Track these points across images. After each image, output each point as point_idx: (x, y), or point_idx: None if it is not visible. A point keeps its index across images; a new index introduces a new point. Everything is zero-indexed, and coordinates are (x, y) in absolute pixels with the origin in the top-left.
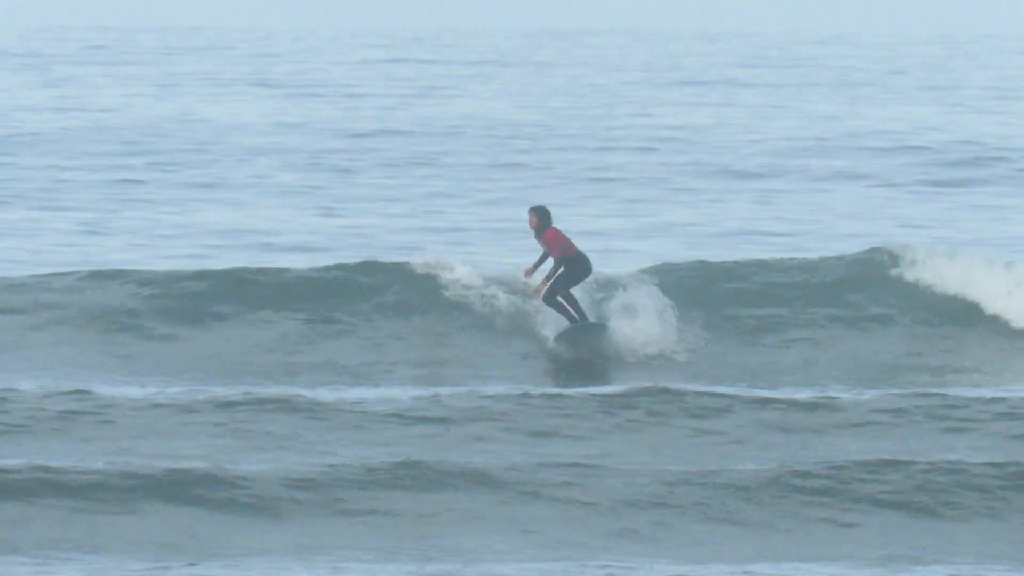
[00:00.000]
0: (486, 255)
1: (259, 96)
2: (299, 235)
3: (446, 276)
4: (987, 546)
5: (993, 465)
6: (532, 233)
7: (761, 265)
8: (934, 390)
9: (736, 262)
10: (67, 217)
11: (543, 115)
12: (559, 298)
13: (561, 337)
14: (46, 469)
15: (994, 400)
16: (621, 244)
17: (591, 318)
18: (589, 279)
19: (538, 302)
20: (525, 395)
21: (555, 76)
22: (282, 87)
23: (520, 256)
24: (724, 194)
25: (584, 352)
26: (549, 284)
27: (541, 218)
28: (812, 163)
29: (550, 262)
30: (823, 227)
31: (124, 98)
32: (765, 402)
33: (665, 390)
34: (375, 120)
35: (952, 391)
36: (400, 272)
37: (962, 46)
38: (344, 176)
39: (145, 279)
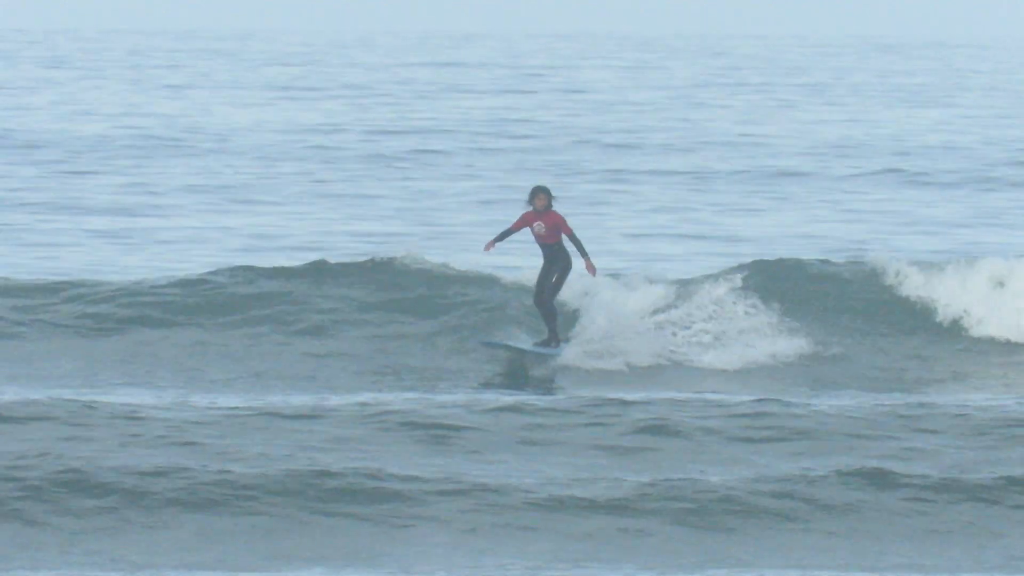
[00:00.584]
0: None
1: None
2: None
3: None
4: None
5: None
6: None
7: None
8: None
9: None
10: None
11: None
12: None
13: (502, 345)
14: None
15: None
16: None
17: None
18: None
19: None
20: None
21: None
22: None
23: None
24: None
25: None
26: (553, 283)
27: (550, 198)
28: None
29: (521, 239)
30: None
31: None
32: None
33: (619, 400)
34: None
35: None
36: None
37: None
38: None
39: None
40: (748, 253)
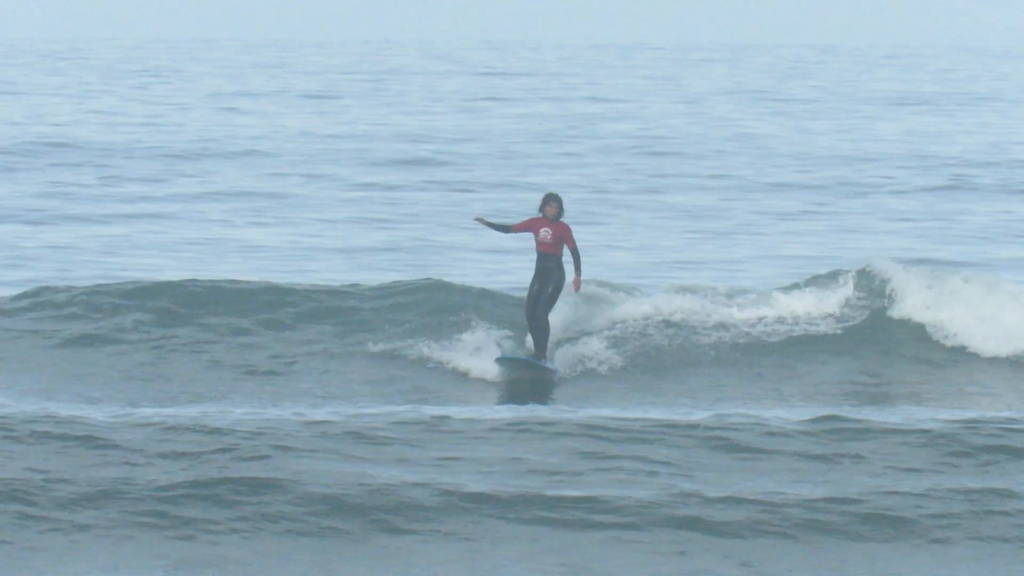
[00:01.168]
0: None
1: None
2: None
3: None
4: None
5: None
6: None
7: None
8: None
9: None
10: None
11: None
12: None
13: (511, 362)
14: None
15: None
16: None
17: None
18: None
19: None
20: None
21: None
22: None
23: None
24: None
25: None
26: (547, 298)
27: (561, 208)
28: None
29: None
30: None
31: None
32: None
33: (596, 417)
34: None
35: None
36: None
37: None
38: None
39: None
40: None
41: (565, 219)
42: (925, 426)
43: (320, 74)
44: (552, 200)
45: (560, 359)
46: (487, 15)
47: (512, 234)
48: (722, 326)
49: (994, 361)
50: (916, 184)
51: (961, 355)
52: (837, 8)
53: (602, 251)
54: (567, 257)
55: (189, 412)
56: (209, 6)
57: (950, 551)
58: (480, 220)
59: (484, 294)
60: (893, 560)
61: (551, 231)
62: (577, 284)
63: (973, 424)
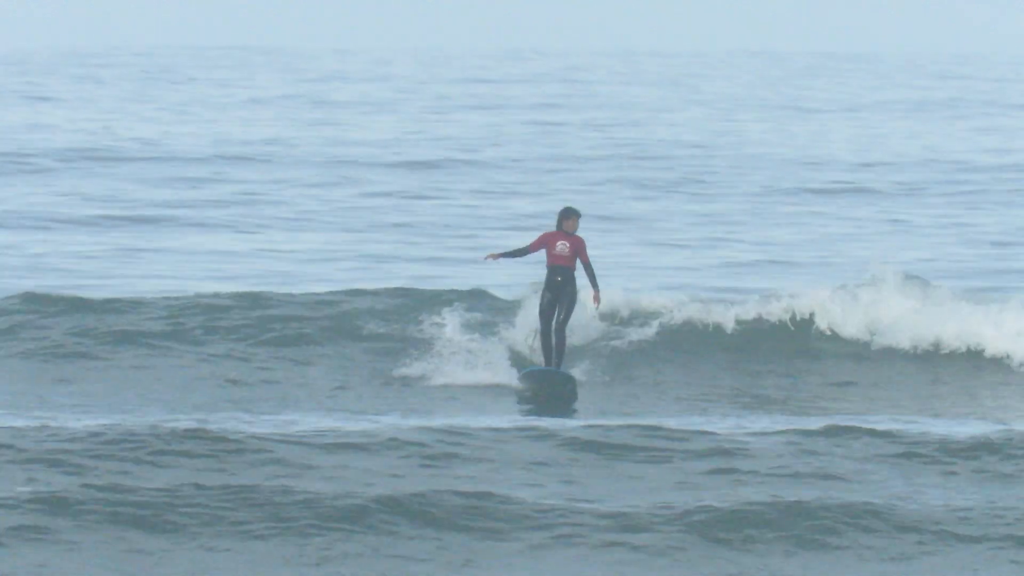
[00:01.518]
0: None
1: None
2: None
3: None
4: None
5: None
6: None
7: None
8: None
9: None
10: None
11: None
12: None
13: (531, 377)
14: None
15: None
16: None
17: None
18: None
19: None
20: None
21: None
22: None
23: None
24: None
25: (544, 392)
26: (567, 310)
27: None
28: None
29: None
30: None
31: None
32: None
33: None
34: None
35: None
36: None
37: None
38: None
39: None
40: None
41: (580, 232)
42: (926, 433)
43: (333, 79)
44: (572, 214)
45: (574, 368)
46: (489, 19)
47: (530, 254)
48: (727, 327)
49: (998, 372)
50: (956, 189)
51: (964, 363)
52: (838, 12)
53: (646, 257)
54: (578, 271)
55: (183, 420)
56: (209, 9)
57: (965, 559)
58: (492, 256)
59: (491, 298)
60: (896, 564)
61: (568, 244)
62: (597, 299)
63: (991, 436)
